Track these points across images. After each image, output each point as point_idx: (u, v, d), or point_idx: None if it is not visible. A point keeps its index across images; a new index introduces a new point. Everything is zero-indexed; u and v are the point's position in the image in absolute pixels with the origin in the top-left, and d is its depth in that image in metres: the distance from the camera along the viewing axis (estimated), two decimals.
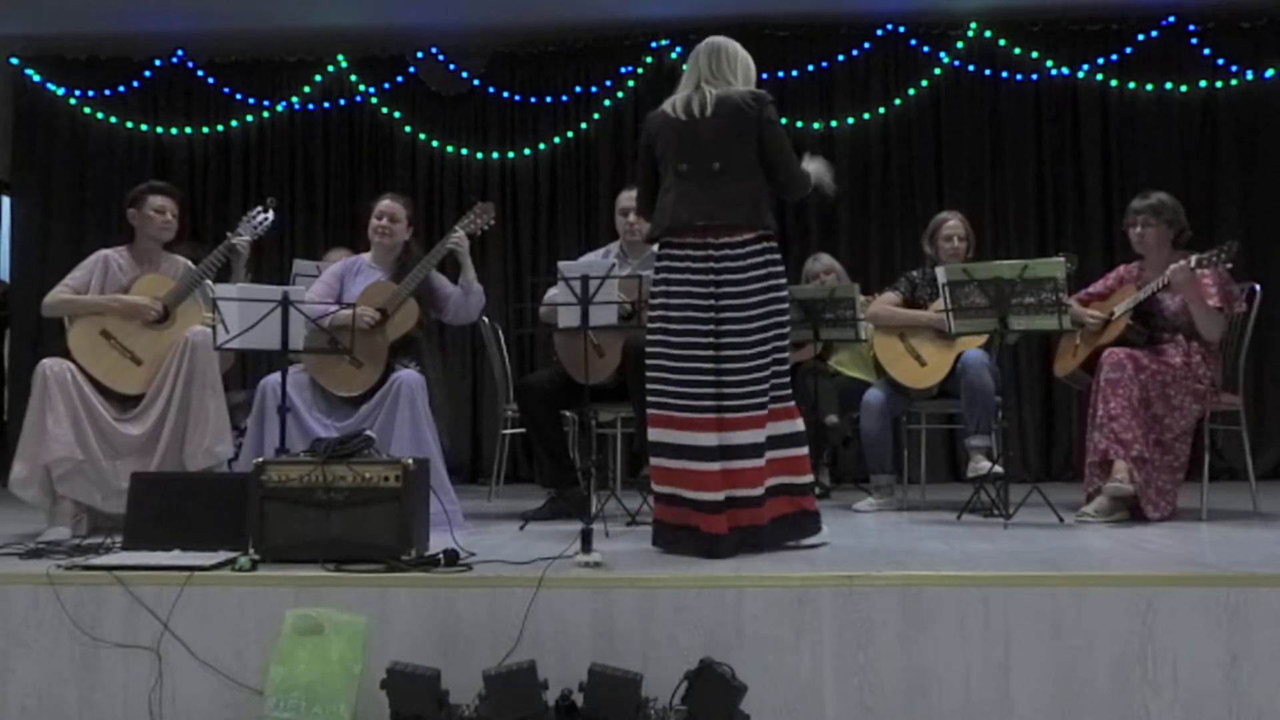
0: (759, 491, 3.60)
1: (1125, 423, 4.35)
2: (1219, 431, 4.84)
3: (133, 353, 4.41)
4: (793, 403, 3.74)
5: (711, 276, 3.60)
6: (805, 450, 3.76)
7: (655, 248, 3.82)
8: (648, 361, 3.71)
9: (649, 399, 3.68)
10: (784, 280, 3.72)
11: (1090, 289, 4.92)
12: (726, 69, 3.75)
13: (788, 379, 3.75)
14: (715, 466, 3.55)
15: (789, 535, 3.69)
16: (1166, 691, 2.98)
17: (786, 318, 3.72)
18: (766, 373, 3.63)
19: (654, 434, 3.66)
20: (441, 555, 3.31)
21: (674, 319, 3.64)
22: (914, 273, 5.34)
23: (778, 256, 3.71)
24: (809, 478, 3.78)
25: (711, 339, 3.59)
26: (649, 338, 3.72)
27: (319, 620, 3.01)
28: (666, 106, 3.75)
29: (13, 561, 3.49)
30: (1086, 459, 4.54)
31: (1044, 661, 3.01)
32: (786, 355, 3.74)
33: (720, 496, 3.54)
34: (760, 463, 3.60)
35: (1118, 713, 2.98)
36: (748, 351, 3.59)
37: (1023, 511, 4.41)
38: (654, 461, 3.67)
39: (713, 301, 3.59)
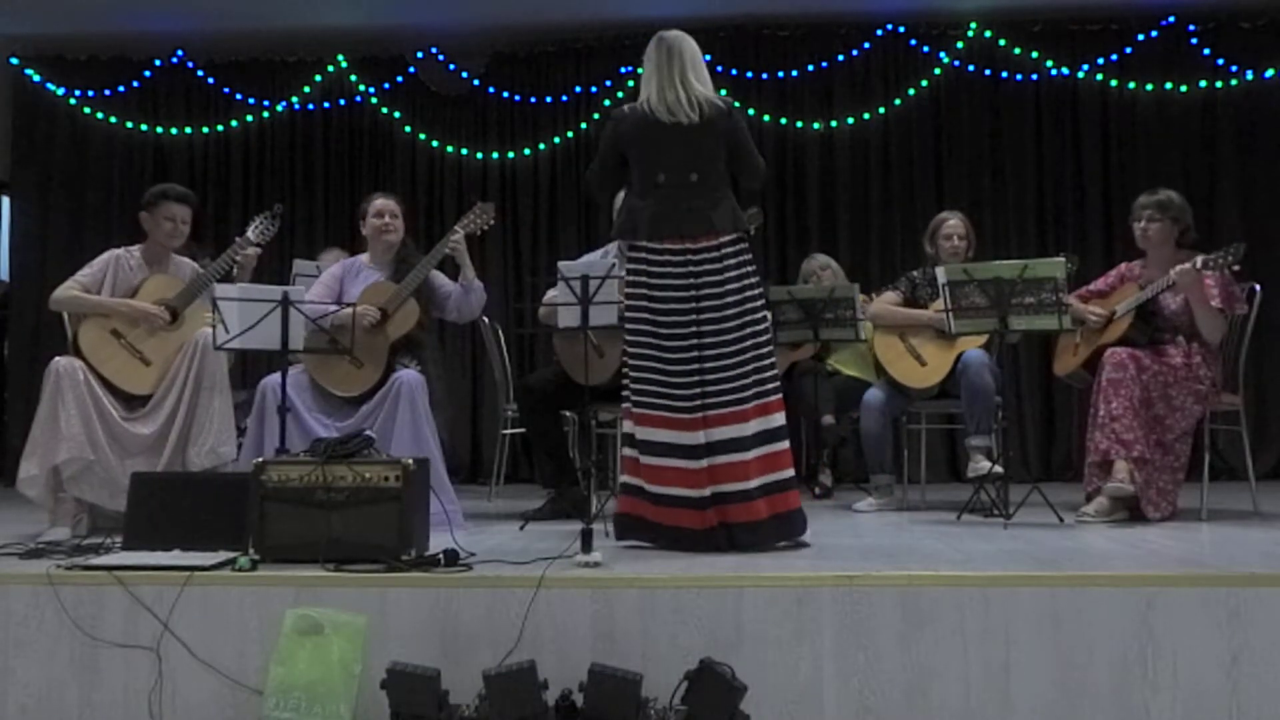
0: (750, 485, 3.65)
1: (1127, 423, 4.34)
2: (1219, 432, 4.85)
3: (141, 353, 4.42)
4: (777, 396, 3.77)
5: (691, 280, 3.69)
6: (786, 444, 3.77)
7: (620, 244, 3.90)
8: (630, 362, 3.76)
9: (634, 399, 3.73)
10: (758, 279, 3.80)
11: (1091, 285, 4.91)
12: (702, 69, 3.78)
13: (771, 374, 3.78)
14: (702, 464, 3.63)
15: (781, 535, 3.72)
16: (1166, 691, 2.98)
17: (763, 314, 3.79)
18: (749, 369, 3.70)
19: (643, 433, 3.71)
20: (441, 555, 3.31)
21: (661, 322, 3.70)
22: (914, 272, 5.35)
23: (750, 256, 3.79)
24: (790, 472, 3.78)
25: (695, 339, 3.68)
26: (628, 339, 3.77)
27: (319, 620, 3.01)
28: (644, 106, 3.75)
29: (13, 561, 3.48)
30: (1087, 459, 4.53)
31: (1044, 661, 3.01)
32: (769, 350, 3.78)
33: (707, 493, 3.63)
34: (746, 456, 3.67)
35: (1118, 713, 2.98)
36: (728, 349, 3.68)
37: (1023, 511, 4.41)
38: (643, 460, 3.71)
39: (694, 304, 3.68)
